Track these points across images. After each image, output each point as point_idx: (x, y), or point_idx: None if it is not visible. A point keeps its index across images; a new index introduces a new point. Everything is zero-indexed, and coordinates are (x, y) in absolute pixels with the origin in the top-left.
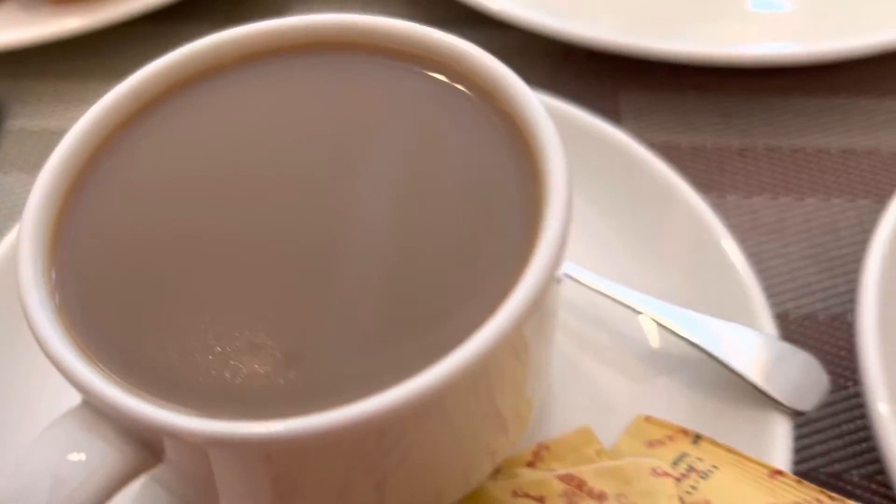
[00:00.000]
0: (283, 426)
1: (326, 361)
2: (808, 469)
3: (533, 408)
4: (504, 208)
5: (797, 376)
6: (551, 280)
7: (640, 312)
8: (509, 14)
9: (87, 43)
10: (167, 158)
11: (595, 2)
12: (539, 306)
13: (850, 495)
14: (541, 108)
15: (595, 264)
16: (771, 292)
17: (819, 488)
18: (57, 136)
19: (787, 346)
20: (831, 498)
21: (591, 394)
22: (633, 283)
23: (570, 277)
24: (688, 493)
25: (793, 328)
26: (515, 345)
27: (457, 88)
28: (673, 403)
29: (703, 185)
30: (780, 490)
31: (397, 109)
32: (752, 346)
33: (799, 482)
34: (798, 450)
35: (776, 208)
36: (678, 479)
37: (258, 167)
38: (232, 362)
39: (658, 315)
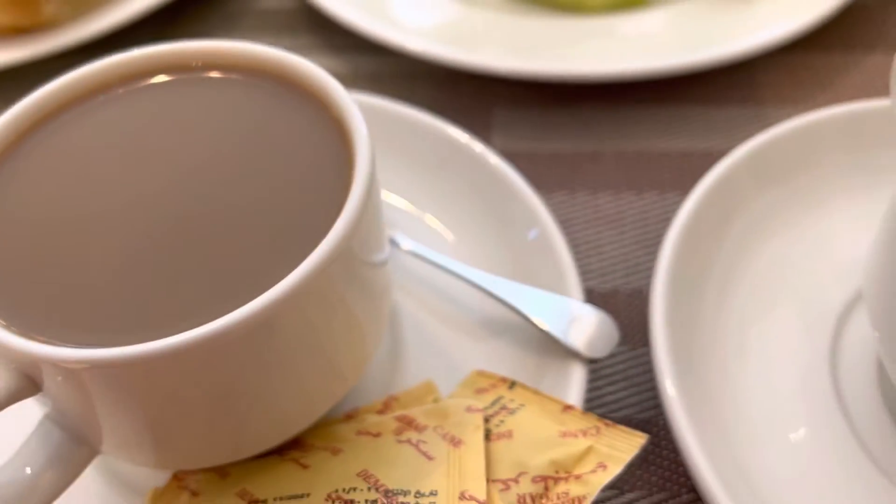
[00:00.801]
0: (129, 349)
1: (177, 299)
2: (604, 412)
3: (365, 360)
4: (323, 177)
5: (593, 331)
6: (349, 240)
7: (471, 282)
8: (398, 43)
9: (22, 75)
10: (57, 161)
11: (474, 30)
12: (341, 259)
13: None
14: (349, 100)
15: (441, 247)
16: (604, 272)
17: (599, 417)
18: None
19: (588, 308)
20: (607, 425)
21: (437, 354)
22: (474, 263)
23: (419, 256)
24: (496, 426)
25: (622, 302)
26: (324, 290)
27: (288, 94)
28: (498, 357)
29: (557, 185)
30: (569, 420)
31: (233, 113)
32: (559, 309)
33: (584, 414)
34: (597, 397)
35: (617, 203)
36: (490, 416)
37: (128, 164)
38: (98, 306)
39: (482, 283)
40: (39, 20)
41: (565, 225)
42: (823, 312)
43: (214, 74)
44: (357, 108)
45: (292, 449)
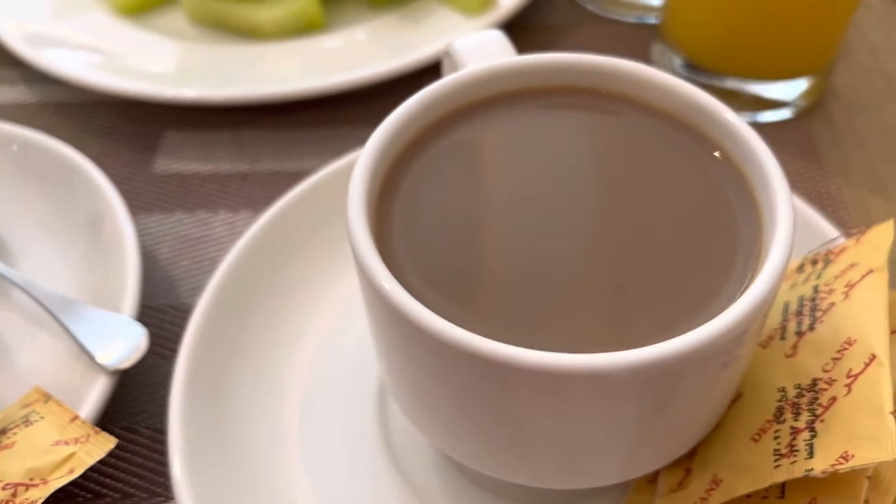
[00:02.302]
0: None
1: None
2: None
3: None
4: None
5: (122, 342)
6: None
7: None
8: (64, 73)
9: None
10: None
11: (155, 64)
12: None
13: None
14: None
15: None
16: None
17: (93, 426)
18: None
19: (119, 318)
20: (97, 432)
21: None
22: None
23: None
24: (7, 438)
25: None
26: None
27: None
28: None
29: (201, 204)
30: (71, 430)
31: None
32: (93, 318)
33: (84, 423)
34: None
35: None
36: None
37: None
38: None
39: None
40: None
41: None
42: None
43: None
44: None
45: None
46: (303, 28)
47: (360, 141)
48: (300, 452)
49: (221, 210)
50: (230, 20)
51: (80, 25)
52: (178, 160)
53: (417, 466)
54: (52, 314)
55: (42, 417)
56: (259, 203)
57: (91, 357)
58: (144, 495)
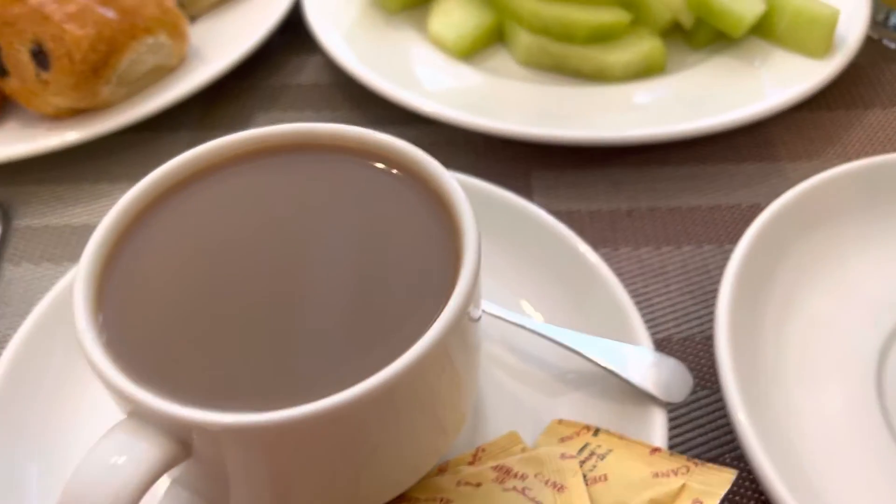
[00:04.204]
0: (275, 414)
1: (303, 370)
2: (685, 451)
3: (466, 415)
4: (431, 259)
5: (668, 377)
6: (465, 309)
7: (551, 339)
8: (437, 113)
9: (80, 150)
10: (181, 233)
11: (506, 99)
12: (457, 329)
13: None
14: (455, 183)
15: (516, 306)
16: (656, 322)
17: (687, 457)
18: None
19: (659, 355)
20: (695, 464)
21: (516, 407)
22: (546, 319)
23: (497, 316)
24: (590, 471)
25: (676, 349)
26: (442, 357)
27: (393, 174)
28: (578, 408)
29: (600, 241)
30: (658, 462)
31: (349, 192)
32: (632, 358)
33: (672, 455)
34: (675, 436)
35: (659, 256)
36: (582, 462)
37: (249, 239)
38: (236, 373)
39: (562, 339)
40: (96, 102)
41: None
42: (867, 347)
43: (325, 154)
44: (458, 185)
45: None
46: (647, 71)
47: (739, 176)
48: None
49: (623, 246)
50: (572, 62)
51: (417, 67)
52: (554, 199)
53: None
54: (580, 353)
55: (609, 450)
56: (660, 239)
57: (643, 391)
58: None
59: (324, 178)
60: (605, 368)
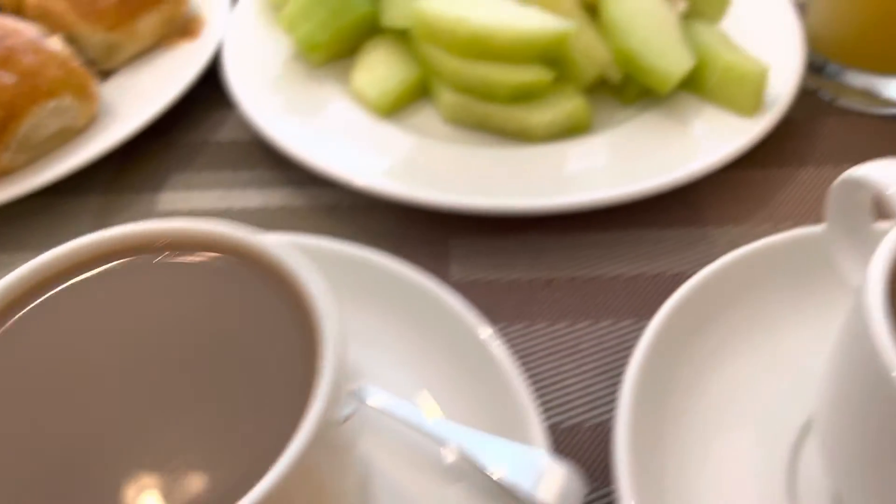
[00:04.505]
0: None
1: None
2: None
3: None
4: (287, 364)
5: (561, 485)
6: (325, 422)
7: (436, 439)
8: (350, 180)
9: None
10: (32, 338)
11: (427, 161)
12: (317, 443)
13: None
14: (321, 285)
15: (416, 395)
16: (567, 406)
17: None
18: None
19: (552, 461)
20: None
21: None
22: (444, 410)
23: (383, 412)
24: None
25: (586, 437)
26: (304, 473)
27: (252, 272)
28: None
29: (516, 315)
30: None
31: (206, 291)
32: (526, 463)
33: None
34: None
35: (574, 333)
36: None
37: (101, 346)
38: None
39: (450, 439)
40: None
41: (525, 358)
42: (780, 435)
43: (179, 254)
44: (321, 281)
45: None
46: (571, 130)
47: (663, 242)
48: None
49: (539, 321)
50: (495, 122)
51: (337, 126)
52: (473, 268)
53: None
54: (469, 456)
55: None
56: (578, 312)
57: (533, 501)
58: None
59: (172, 282)
60: (492, 476)
